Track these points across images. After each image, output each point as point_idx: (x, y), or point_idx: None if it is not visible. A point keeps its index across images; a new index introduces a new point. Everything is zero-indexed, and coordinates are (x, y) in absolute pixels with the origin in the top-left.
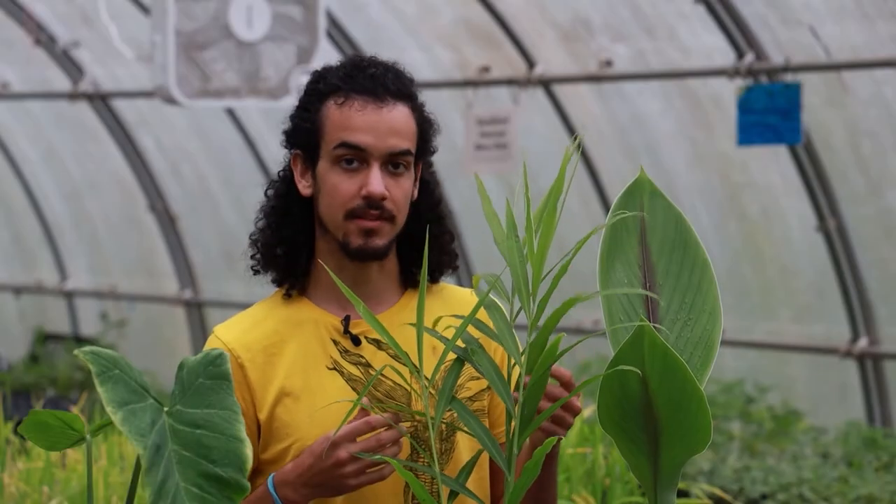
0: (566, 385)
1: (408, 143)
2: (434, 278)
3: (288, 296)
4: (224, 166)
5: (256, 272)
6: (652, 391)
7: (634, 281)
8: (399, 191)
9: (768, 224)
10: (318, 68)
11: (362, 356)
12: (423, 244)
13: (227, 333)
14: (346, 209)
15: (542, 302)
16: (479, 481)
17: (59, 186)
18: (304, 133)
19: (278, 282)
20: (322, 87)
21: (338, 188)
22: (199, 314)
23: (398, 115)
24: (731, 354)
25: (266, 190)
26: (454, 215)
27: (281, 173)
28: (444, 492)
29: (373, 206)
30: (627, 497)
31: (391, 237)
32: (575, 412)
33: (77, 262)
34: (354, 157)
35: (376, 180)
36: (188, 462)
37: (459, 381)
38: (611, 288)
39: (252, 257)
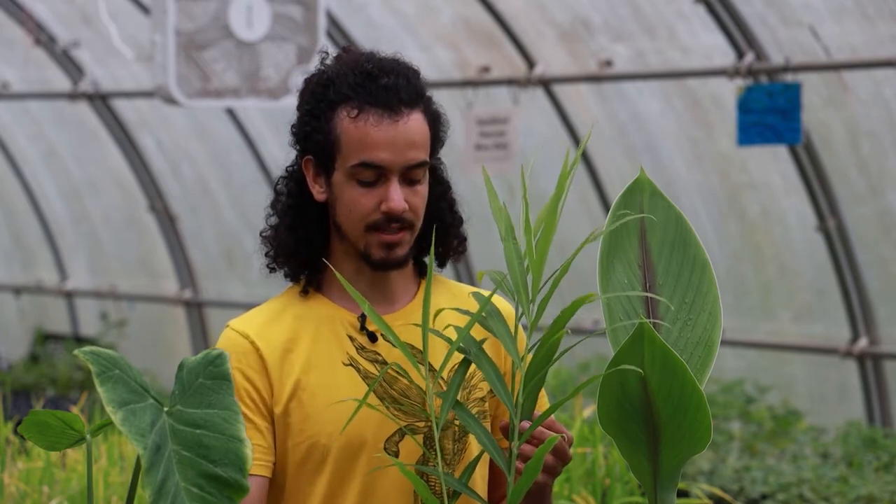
0: (553, 430)
1: (424, 152)
2: (442, 262)
3: (304, 292)
4: (224, 166)
5: (272, 269)
6: (652, 391)
7: (634, 281)
8: (417, 198)
9: (768, 224)
10: (321, 68)
11: (379, 353)
12: (436, 234)
13: (245, 325)
14: (367, 223)
15: (541, 305)
16: (482, 483)
17: (59, 186)
18: (316, 142)
19: (293, 278)
20: (332, 96)
21: (357, 202)
22: (198, 314)
23: (413, 125)
24: (731, 354)
25: (276, 185)
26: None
27: (291, 169)
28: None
29: (393, 220)
30: (627, 497)
31: (411, 244)
32: (566, 461)
33: (77, 262)
34: (373, 173)
35: (396, 196)
36: (188, 462)
37: (473, 382)
38: (611, 287)
39: (266, 255)
